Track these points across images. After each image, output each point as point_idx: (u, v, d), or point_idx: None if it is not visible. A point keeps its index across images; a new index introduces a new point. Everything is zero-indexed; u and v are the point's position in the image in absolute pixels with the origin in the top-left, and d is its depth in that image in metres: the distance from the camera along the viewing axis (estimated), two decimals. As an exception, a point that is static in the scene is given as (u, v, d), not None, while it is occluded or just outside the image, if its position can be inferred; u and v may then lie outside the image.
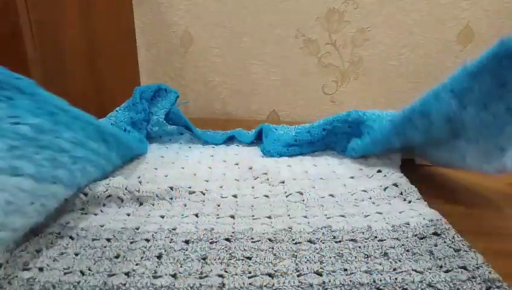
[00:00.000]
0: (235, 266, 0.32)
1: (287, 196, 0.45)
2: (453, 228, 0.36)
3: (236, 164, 0.55)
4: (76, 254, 0.33)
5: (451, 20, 0.75)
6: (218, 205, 0.42)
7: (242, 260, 0.33)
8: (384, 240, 0.35)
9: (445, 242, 0.34)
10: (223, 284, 0.30)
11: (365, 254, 0.33)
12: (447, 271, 0.31)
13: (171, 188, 0.44)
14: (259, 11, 0.81)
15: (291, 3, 0.79)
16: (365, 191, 0.45)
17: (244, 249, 0.34)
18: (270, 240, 0.35)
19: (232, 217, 0.40)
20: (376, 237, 0.36)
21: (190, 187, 0.46)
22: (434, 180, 0.52)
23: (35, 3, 0.60)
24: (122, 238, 0.35)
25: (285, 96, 0.86)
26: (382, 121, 0.53)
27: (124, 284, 0.29)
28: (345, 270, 0.31)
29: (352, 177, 0.50)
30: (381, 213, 0.40)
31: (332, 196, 0.45)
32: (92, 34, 0.76)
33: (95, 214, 0.40)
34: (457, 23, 0.75)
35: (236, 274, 0.31)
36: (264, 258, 0.33)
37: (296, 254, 0.33)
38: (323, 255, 0.33)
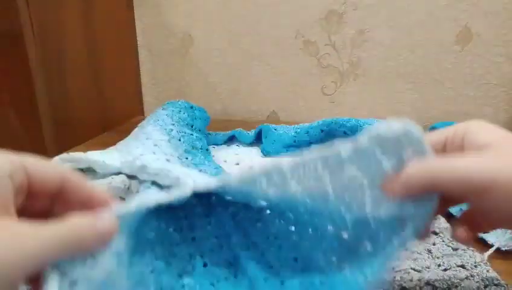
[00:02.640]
0: (236, 265, 0.32)
1: (287, 196, 0.45)
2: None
3: (237, 164, 0.55)
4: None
5: (450, 21, 0.76)
6: (219, 205, 0.43)
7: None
8: (384, 239, 0.36)
9: (443, 241, 0.35)
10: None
11: (364, 253, 0.33)
12: (445, 270, 0.31)
13: (172, 188, 0.45)
14: (259, 12, 0.81)
15: (291, 4, 0.80)
16: (364, 191, 0.45)
17: (245, 248, 0.34)
18: (270, 239, 0.36)
19: (233, 216, 0.40)
20: (375, 236, 0.36)
21: (191, 187, 0.46)
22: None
23: (36, 3, 0.60)
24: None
25: (285, 96, 0.86)
26: None
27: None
28: (345, 268, 0.31)
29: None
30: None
31: (332, 195, 0.45)
32: (93, 35, 0.76)
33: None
34: (456, 24, 0.76)
35: (237, 273, 0.31)
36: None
37: (296, 253, 0.34)
38: (323, 254, 0.33)
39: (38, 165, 0.21)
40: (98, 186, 0.24)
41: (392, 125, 0.21)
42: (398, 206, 0.23)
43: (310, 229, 0.29)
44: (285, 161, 0.25)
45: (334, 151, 0.24)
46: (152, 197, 0.25)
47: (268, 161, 0.56)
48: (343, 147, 0.23)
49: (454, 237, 0.24)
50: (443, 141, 0.26)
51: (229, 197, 0.30)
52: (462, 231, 0.24)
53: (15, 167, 0.20)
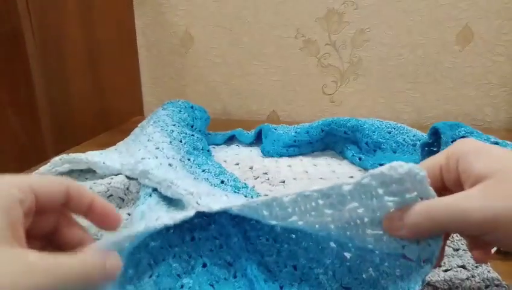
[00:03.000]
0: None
1: (287, 196, 0.45)
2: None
3: (237, 164, 0.55)
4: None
5: (450, 21, 0.75)
6: (219, 205, 0.42)
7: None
8: (384, 239, 0.35)
9: (444, 242, 0.35)
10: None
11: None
12: (446, 270, 0.31)
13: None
14: (259, 11, 0.81)
15: (291, 4, 0.80)
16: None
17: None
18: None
19: (233, 216, 0.40)
20: (376, 236, 0.36)
21: (191, 187, 0.46)
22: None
23: (36, 3, 0.60)
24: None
25: (285, 96, 0.86)
26: (381, 132, 0.54)
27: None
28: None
29: (352, 177, 0.50)
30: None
31: (332, 195, 0.45)
32: (93, 34, 0.76)
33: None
34: (457, 24, 0.75)
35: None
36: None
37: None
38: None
39: (44, 182, 0.21)
40: (99, 196, 0.25)
41: (395, 166, 0.22)
42: (401, 243, 0.24)
43: (311, 242, 0.29)
44: (287, 193, 0.26)
45: (336, 188, 0.24)
46: (155, 223, 0.26)
47: (268, 160, 0.56)
48: (345, 183, 0.24)
49: (473, 258, 0.25)
50: (438, 170, 0.26)
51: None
52: (478, 254, 0.24)
53: (23, 190, 0.20)
